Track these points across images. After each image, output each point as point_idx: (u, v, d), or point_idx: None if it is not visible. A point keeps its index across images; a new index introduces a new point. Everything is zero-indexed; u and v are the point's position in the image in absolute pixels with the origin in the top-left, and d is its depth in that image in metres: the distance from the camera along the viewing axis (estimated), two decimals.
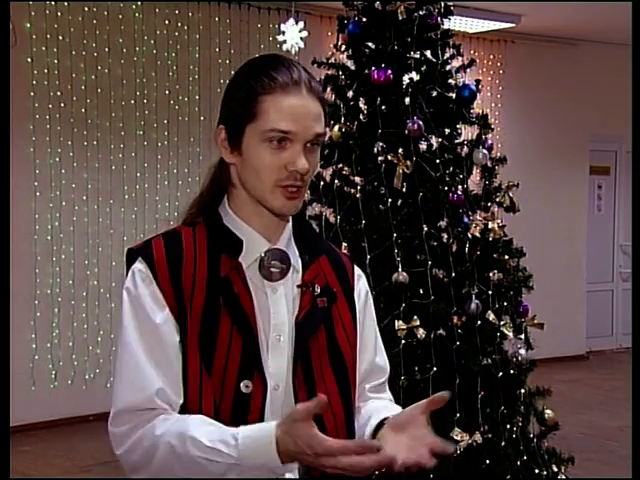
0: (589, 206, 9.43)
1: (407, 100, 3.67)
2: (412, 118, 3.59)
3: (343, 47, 3.83)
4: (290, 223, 1.62)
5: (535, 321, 3.72)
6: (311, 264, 1.61)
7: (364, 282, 1.72)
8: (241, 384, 1.47)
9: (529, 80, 8.67)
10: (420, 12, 3.71)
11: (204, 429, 1.41)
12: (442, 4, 3.78)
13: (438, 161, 3.62)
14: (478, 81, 3.85)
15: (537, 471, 3.60)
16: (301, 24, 6.13)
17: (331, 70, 3.80)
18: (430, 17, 3.72)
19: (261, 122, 1.49)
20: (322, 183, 3.73)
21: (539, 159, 8.75)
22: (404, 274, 3.43)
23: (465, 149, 3.75)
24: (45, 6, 6.34)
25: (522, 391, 3.65)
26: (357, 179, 3.70)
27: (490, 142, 3.78)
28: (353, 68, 3.82)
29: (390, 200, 3.57)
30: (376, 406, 1.64)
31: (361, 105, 3.79)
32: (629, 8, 3.22)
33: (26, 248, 6.27)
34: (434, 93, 3.75)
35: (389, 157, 3.58)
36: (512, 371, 3.61)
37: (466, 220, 3.65)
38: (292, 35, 6.09)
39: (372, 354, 1.69)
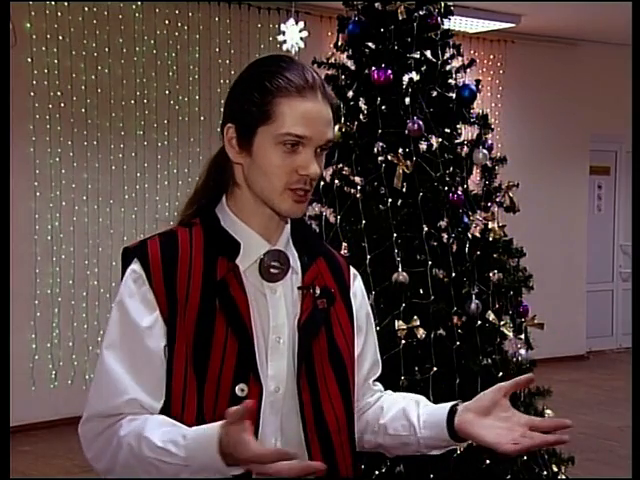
0: (589, 206, 9.44)
1: (407, 100, 3.66)
2: (412, 118, 3.59)
3: (343, 47, 3.82)
4: (288, 225, 1.61)
5: (535, 321, 3.72)
6: (310, 265, 1.60)
7: (359, 281, 1.73)
8: (236, 388, 1.47)
9: (529, 80, 8.67)
10: (420, 12, 3.70)
11: (160, 430, 1.41)
12: (442, 4, 3.78)
13: (438, 161, 3.62)
14: (478, 81, 3.84)
15: (537, 471, 3.60)
16: (301, 24, 6.13)
17: (331, 70, 3.79)
18: (430, 17, 3.72)
19: (276, 125, 1.48)
20: (322, 183, 3.72)
21: (539, 159, 8.75)
22: (404, 274, 3.43)
23: (465, 149, 3.75)
24: (45, 6, 6.34)
25: (522, 391, 3.64)
26: (357, 179, 3.70)
27: (490, 142, 3.78)
28: (353, 68, 3.81)
29: (390, 200, 3.56)
30: (395, 399, 1.69)
31: (361, 105, 3.79)
32: (629, 8, 3.22)
33: (26, 248, 6.27)
34: (434, 93, 3.74)
35: (389, 157, 3.58)
36: (512, 371, 3.61)
37: (466, 220, 3.65)
38: (292, 35, 6.09)
39: (374, 349, 1.72)
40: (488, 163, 3.75)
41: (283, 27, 6.20)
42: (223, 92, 6.85)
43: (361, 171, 3.67)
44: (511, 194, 3.78)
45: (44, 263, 6.45)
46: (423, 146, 3.70)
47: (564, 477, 3.70)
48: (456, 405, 1.57)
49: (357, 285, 1.70)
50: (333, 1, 4.39)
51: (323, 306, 1.58)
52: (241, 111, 1.52)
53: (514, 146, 7.81)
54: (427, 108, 3.66)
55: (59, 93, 6.43)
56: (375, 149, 3.66)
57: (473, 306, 3.51)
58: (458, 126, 3.78)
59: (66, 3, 6.41)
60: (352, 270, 1.71)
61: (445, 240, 3.64)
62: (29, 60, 6.30)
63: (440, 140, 3.72)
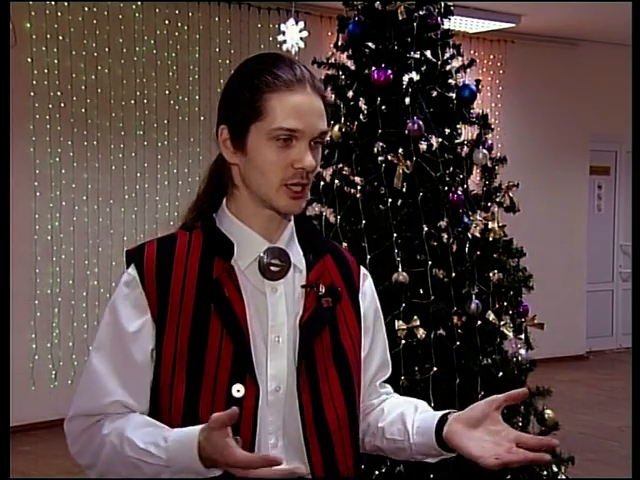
0: (589, 206, 9.43)
1: (407, 100, 3.67)
2: (412, 118, 3.59)
3: (343, 47, 3.82)
4: (292, 223, 1.61)
5: (535, 321, 3.72)
6: (315, 264, 1.60)
7: (370, 281, 1.71)
8: (233, 388, 1.47)
9: (529, 80, 8.67)
10: (420, 12, 3.70)
11: (142, 430, 1.44)
12: (442, 4, 3.78)
13: (438, 161, 3.62)
14: (478, 81, 3.84)
15: (537, 471, 3.60)
16: (301, 24, 6.13)
17: (331, 70, 3.79)
18: (430, 17, 3.72)
19: (267, 120, 1.48)
20: (322, 183, 3.72)
21: (539, 159, 8.75)
22: (404, 274, 3.43)
23: (465, 149, 3.75)
24: (45, 6, 6.34)
25: None
26: (357, 179, 3.70)
27: (490, 142, 3.78)
28: (353, 68, 3.81)
29: (390, 200, 3.56)
30: (397, 402, 1.68)
31: (361, 105, 3.79)
32: (629, 8, 3.22)
33: (26, 248, 6.27)
34: (434, 93, 3.74)
35: (389, 157, 3.58)
36: (512, 371, 3.61)
37: (466, 220, 3.65)
38: (292, 35, 6.09)
39: (382, 350, 1.70)
40: (488, 163, 3.75)
41: (283, 27, 6.20)
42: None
43: (361, 171, 3.67)
44: (511, 194, 3.79)
45: (44, 263, 6.45)
46: (423, 146, 3.70)
47: (564, 477, 3.70)
48: (448, 414, 1.55)
49: (367, 285, 1.69)
50: (333, 1, 4.39)
51: (328, 305, 1.57)
52: (232, 111, 1.53)
53: (514, 146, 7.81)
54: (427, 108, 3.66)
55: (59, 93, 6.43)
56: (375, 149, 3.66)
57: (473, 306, 3.51)
58: (458, 126, 3.78)
59: (66, 3, 6.41)
60: (362, 270, 1.70)
61: (445, 240, 3.64)
62: (29, 60, 6.29)
63: (440, 140, 3.72)
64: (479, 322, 3.54)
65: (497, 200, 3.77)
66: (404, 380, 3.31)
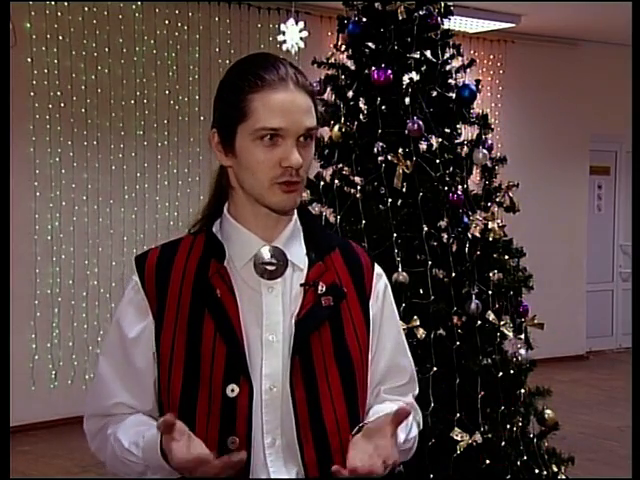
0: (589, 206, 9.43)
1: (407, 100, 3.67)
2: (412, 118, 3.59)
3: (343, 47, 3.82)
4: (293, 222, 1.61)
5: (535, 321, 3.72)
6: (317, 262, 1.59)
7: (384, 281, 1.68)
8: (227, 388, 1.48)
9: (529, 80, 8.67)
10: (420, 12, 3.70)
11: (131, 430, 1.51)
12: (442, 4, 3.78)
13: (438, 161, 3.62)
14: (478, 81, 3.84)
15: (537, 471, 3.60)
16: (301, 24, 6.13)
17: (331, 70, 3.80)
18: (430, 17, 3.72)
19: (251, 121, 1.49)
20: (322, 183, 3.72)
21: (539, 159, 8.75)
22: (404, 274, 3.43)
23: (465, 149, 3.75)
24: (45, 6, 6.34)
25: (522, 391, 3.64)
26: (357, 179, 3.70)
27: (490, 142, 3.77)
28: (353, 68, 3.81)
29: (390, 200, 3.56)
30: (381, 408, 1.62)
31: (361, 105, 3.79)
32: (629, 8, 3.22)
33: (26, 248, 6.27)
34: (434, 93, 3.74)
35: (389, 157, 3.58)
36: (512, 371, 3.61)
37: (466, 220, 3.65)
38: (292, 35, 6.09)
39: (391, 354, 1.66)
40: (488, 163, 3.75)
41: (283, 27, 6.20)
42: None
43: (361, 171, 3.68)
44: (511, 194, 3.79)
45: (44, 263, 6.45)
46: (423, 146, 3.70)
47: (564, 477, 3.70)
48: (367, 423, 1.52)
49: (380, 286, 1.66)
50: (333, 1, 4.39)
51: (328, 303, 1.55)
52: (220, 114, 1.56)
53: (514, 146, 7.81)
54: (427, 108, 3.66)
55: (59, 93, 6.43)
56: (375, 149, 3.66)
57: (473, 306, 3.51)
58: (458, 126, 3.78)
59: (66, 3, 6.41)
60: (376, 270, 1.68)
61: (445, 240, 3.64)
62: (29, 60, 6.29)
63: (440, 140, 3.72)
64: (479, 322, 3.54)
65: (497, 200, 3.77)
66: None
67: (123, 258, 6.69)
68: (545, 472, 3.62)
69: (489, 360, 3.59)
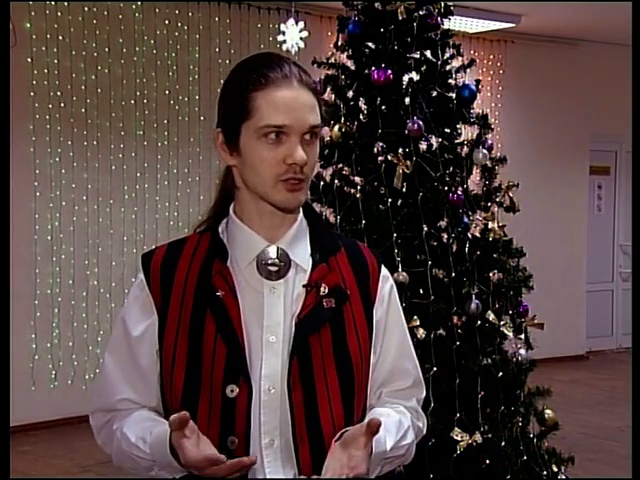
0: (589, 206, 9.43)
1: (407, 100, 3.67)
2: (412, 118, 3.59)
3: (343, 47, 3.82)
4: (298, 222, 1.60)
5: (535, 321, 3.72)
6: (320, 263, 1.58)
7: (391, 284, 1.66)
8: (227, 389, 1.48)
9: (529, 80, 8.67)
10: (420, 12, 3.71)
11: (138, 425, 1.52)
12: (442, 4, 3.78)
13: (438, 161, 3.62)
14: (478, 81, 3.85)
15: (537, 471, 3.60)
16: (301, 24, 6.13)
17: (331, 70, 3.80)
18: (430, 17, 3.72)
19: (255, 119, 1.49)
20: (322, 183, 3.73)
21: (539, 159, 8.75)
22: (404, 274, 3.43)
23: (465, 149, 3.75)
24: (45, 6, 6.34)
25: (522, 391, 3.64)
26: (357, 179, 3.70)
27: (490, 142, 3.78)
28: (353, 68, 3.81)
29: (390, 200, 3.57)
30: (379, 412, 1.60)
31: (361, 105, 3.79)
32: (629, 8, 3.21)
33: (26, 248, 6.27)
34: (434, 93, 3.74)
35: (389, 157, 3.58)
36: (512, 371, 3.61)
37: (466, 220, 3.65)
38: (292, 35, 6.09)
39: (395, 357, 1.64)
40: (488, 163, 3.75)
41: (283, 27, 6.20)
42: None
43: (361, 171, 3.68)
44: (511, 194, 3.78)
45: (44, 263, 6.45)
46: (423, 146, 3.70)
47: (564, 477, 3.70)
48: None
49: (386, 289, 1.64)
50: (333, 1, 4.39)
51: (330, 305, 1.54)
52: (224, 114, 1.55)
53: (514, 146, 7.81)
54: (427, 108, 3.66)
55: (59, 93, 6.42)
56: (375, 149, 3.66)
57: (473, 306, 3.51)
58: (458, 126, 3.78)
59: (66, 3, 6.41)
60: (383, 272, 1.66)
61: (445, 240, 3.64)
62: (29, 60, 6.29)
63: (440, 140, 3.72)
64: (479, 322, 3.54)
65: (497, 200, 3.77)
66: None
67: (123, 258, 6.69)
68: (545, 472, 3.62)
69: (489, 360, 3.60)
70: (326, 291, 1.55)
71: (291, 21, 6.15)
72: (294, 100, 1.49)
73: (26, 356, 6.32)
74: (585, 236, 9.27)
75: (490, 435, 3.47)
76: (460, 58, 3.85)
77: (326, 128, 3.71)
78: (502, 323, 3.59)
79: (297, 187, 1.51)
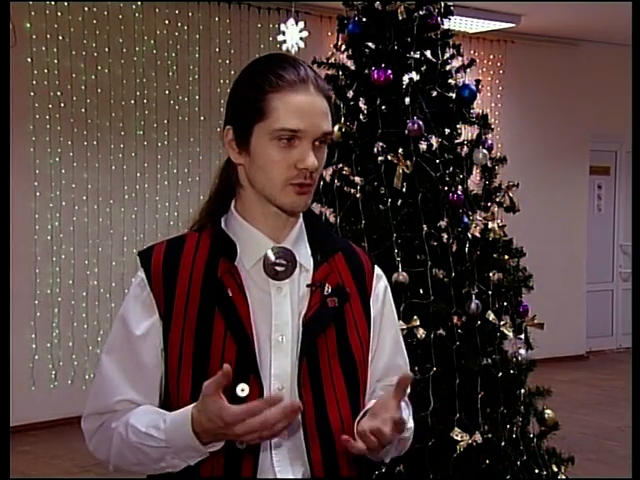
0: (589, 206, 9.43)
1: (407, 100, 3.66)
2: (412, 118, 3.59)
3: (343, 47, 3.82)
4: (300, 222, 1.61)
5: (535, 321, 3.72)
6: (322, 263, 1.59)
7: (384, 282, 1.69)
8: (237, 388, 1.47)
9: (529, 80, 8.67)
10: (420, 12, 3.70)
11: (145, 417, 1.48)
12: (442, 4, 3.78)
13: (438, 161, 3.62)
14: (478, 81, 3.84)
15: (537, 471, 3.59)
16: (301, 24, 6.13)
17: (331, 70, 3.79)
18: (430, 17, 3.71)
19: (270, 121, 1.48)
20: (322, 183, 3.72)
21: (539, 159, 8.75)
22: (404, 274, 3.43)
23: (465, 149, 3.75)
24: (45, 6, 6.34)
25: (522, 391, 3.64)
26: (357, 179, 3.70)
27: (490, 142, 3.77)
28: (353, 68, 3.81)
29: (390, 200, 3.56)
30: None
31: (361, 105, 3.79)
32: (629, 8, 3.21)
33: (26, 248, 6.27)
34: (434, 93, 3.74)
35: (389, 157, 3.58)
36: (512, 371, 3.61)
37: (466, 220, 3.65)
38: (292, 35, 6.09)
39: (390, 354, 1.68)
40: (488, 163, 3.75)
41: (283, 27, 6.20)
42: (223, 92, 6.85)
43: (361, 171, 3.67)
44: (511, 194, 3.78)
45: (44, 263, 6.45)
46: (423, 146, 3.70)
47: (564, 477, 3.70)
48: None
49: (380, 287, 1.67)
50: (333, 1, 4.39)
51: (334, 305, 1.56)
52: (237, 112, 1.54)
53: (514, 146, 7.81)
54: (427, 108, 3.66)
55: (59, 93, 6.43)
56: (375, 149, 3.66)
57: (473, 306, 3.51)
58: (458, 126, 3.78)
59: (66, 3, 6.41)
60: (377, 271, 1.69)
61: (445, 240, 3.64)
62: (29, 60, 6.29)
63: (440, 140, 3.72)
64: (479, 322, 3.54)
65: (497, 200, 3.77)
66: None
67: (123, 258, 6.69)
68: (545, 472, 3.62)
69: (489, 360, 3.59)
70: (329, 290, 1.56)
71: (291, 21, 6.16)
72: (310, 105, 1.49)
73: (26, 356, 6.33)
74: (585, 236, 9.27)
75: (490, 435, 3.47)
76: (460, 58, 3.85)
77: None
78: (502, 323, 3.59)
79: (305, 190, 1.51)
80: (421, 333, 3.39)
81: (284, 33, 6.16)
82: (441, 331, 3.55)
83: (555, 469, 3.67)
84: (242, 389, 1.47)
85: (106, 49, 6.60)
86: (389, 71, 3.61)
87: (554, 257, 8.69)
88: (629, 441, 2.91)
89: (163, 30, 6.82)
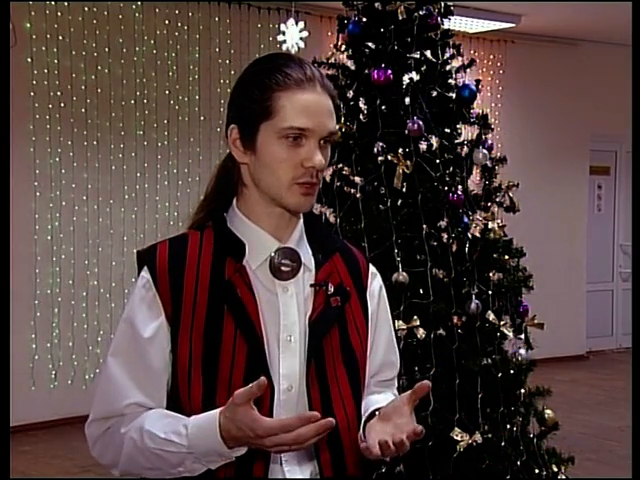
0: (589, 206, 9.43)
1: (407, 100, 3.66)
2: (412, 118, 3.59)
3: (343, 47, 3.82)
4: (301, 222, 1.61)
5: (535, 321, 3.72)
6: (324, 263, 1.60)
7: (379, 280, 1.71)
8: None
9: (529, 80, 8.67)
10: (420, 12, 3.70)
11: (160, 422, 1.46)
12: (442, 4, 3.78)
13: (438, 161, 3.62)
14: (478, 81, 3.84)
15: (537, 471, 3.60)
16: (301, 24, 6.14)
17: (331, 70, 3.79)
18: (430, 17, 3.71)
19: (277, 119, 1.48)
20: (322, 183, 3.72)
21: (539, 159, 8.75)
22: (404, 274, 3.43)
23: (465, 149, 3.75)
24: (45, 6, 6.34)
25: (522, 391, 3.64)
26: (357, 179, 3.69)
27: (490, 142, 3.77)
28: (353, 68, 3.81)
29: (390, 200, 3.56)
30: (376, 399, 1.65)
31: (361, 105, 3.79)
32: (629, 8, 3.21)
33: (26, 248, 6.27)
34: (434, 93, 3.74)
35: (389, 157, 3.57)
36: (512, 371, 3.61)
37: (466, 220, 3.65)
38: (292, 35, 6.10)
39: (384, 351, 1.69)
40: (488, 163, 3.75)
41: (283, 27, 6.20)
42: (223, 92, 6.85)
43: (361, 171, 3.67)
44: (511, 194, 3.78)
45: (44, 263, 6.45)
46: (423, 146, 3.70)
47: (564, 477, 3.70)
48: (380, 409, 1.52)
49: (375, 284, 1.69)
50: (333, 1, 4.39)
51: (337, 304, 1.57)
52: (242, 110, 1.53)
53: (514, 146, 7.81)
54: (427, 108, 3.66)
55: (59, 93, 6.43)
56: (375, 149, 3.66)
57: (473, 306, 3.51)
58: (458, 126, 3.78)
59: (66, 3, 6.41)
60: (371, 269, 1.70)
61: (445, 240, 3.64)
62: (29, 60, 6.29)
63: (440, 140, 3.72)
64: (479, 322, 3.54)
65: (497, 200, 3.77)
66: (404, 380, 3.31)
67: (123, 258, 6.69)
68: (545, 472, 3.62)
69: (489, 360, 3.59)
70: (332, 290, 1.57)
71: (291, 21, 6.16)
72: (317, 104, 1.50)
73: (26, 356, 6.33)
74: (585, 236, 9.27)
75: (490, 435, 3.47)
76: (460, 58, 3.85)
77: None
78: (502, 323, 3.59)
79: (310, 191, 1.51)
80: (421, 333, 3.39)
81: (284, 33, 6.16)
82: (441, 331, 3.55)
83: (555, 469, 3.67)
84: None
85: (106, 49, 6.60)
86: (389, 71, 3.61)
87: (554, 257, 8.69)
88: (629, 441, 2.91)
89: (163, 30, 6.82)
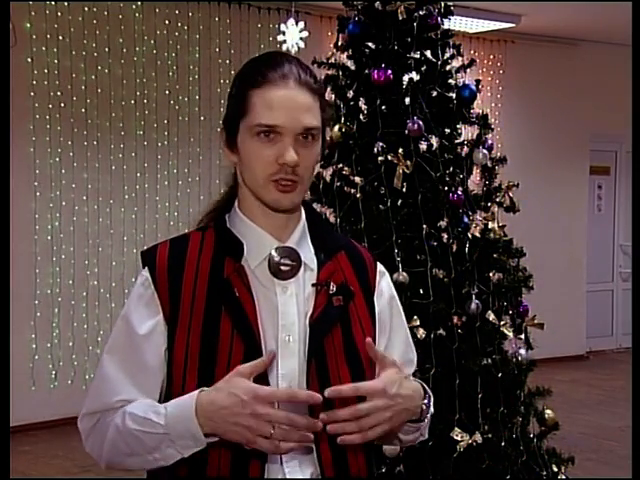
0: (589, 206, 9.43)
1: (407, 100, 3.67)
2: (412, 118, 3.59)
3: (343, 47, 3.82)
4: (303, 222, 1.61)
5: (535, 321, 3.72)
6: (327, 262, 1.59)
7: (387, 279, 1.70)
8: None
9: (529, 80, 8.67)
10: (420, 12, 3.70)
11: (144, 405, 1.47)
12: (442, 4, 3.78)
13: (438, 161, 3.62)
14: (478, 81, 3.84)
15: (537, 471, 3.60)
16: (301, 24, 6.14)
17: (331, 70, 3.79)
18: (430, 17, 3.71)
19: (250, 117, 1.50)
20: (322, 183, 3.72)
21: (539, 159, 8.75)
22: (404, 274, 3.43)
23: (465, 149, 3.75)
24: (45, 6, 6.34)
25: (522, 391, 3.64)
26: (357, 179, 3.69)
27: (490, 142, 3.77)
28: (353, 68, 3.81)
29: (390, 200, 3.56)
30: None
31: (361, 105, 3.79)
32: (629, 8, 3.21)
33: (26, 248, 6.27)
34: (434, 93, 3.74)
35: (389, 157, 3.57)
36: (512, 371, 3.61)
37: (466, 220, 3.65)
38: (292, 35, 6.10)
39: (403, 350, 1.70)
40: (488, 163, 3.75)
41: (283, 27, 6.21)
42: (223, 92, 6.85)
43: (361, 171, 3.67)
44: (511, 194, 3.78)
45: (44, 263, 6.45)
46: (423, 146, 3.70)
47: (564, 477, 3.70)
48: None
49: (384, 284, 1.68)
50: (333, 1, 4.39)
51: (339, 303, 1.56)
52: (226, 112, 1.57)
53: (514, 146, 7.81)
54: (427, 108, 3.66)
55: (59, 93, 6.43)
56: (375, 149, 3.66)
57: (473, 306, 3.51)
58: (458, 126, 3.78)
59: (66, 3, 6.41)
60: (379, 268, 1.69)
61: (445, 240, 3.64)
62: (29, 60, 6.29)
63: (440, 140, 3.72)
64: (479, 322, 3.54)
65: (497, 200, 3.77)
66: None
67: (123, 258, 6.69)
68: (545, 472, 3.62)
69: (489, 360, 3.59)
70: (334, 289, 1.56)
71: (291, 21, 6.17)
72: (289, 100, 1.48)
73: (26, 356, 6.33)
74: (585, 236, 9.27)
75: (490, 435, 3.47)
76: (460, 58, 3.85)
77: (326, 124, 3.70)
78: (502, 323, 3.59)
79: (289, 188, 1.50)
80: (421, 333, 3.39)
81: (284, 33, 6.16)
82: (441, 331, 3.55)
83: (555, 469, 3.67)
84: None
85: (106, 49, 6.60)
86: (389, 71, 3.61)
87: (554, 257, 8.69)
88: (629, 441, 2.91)
89: (163, 30, 6.82)
